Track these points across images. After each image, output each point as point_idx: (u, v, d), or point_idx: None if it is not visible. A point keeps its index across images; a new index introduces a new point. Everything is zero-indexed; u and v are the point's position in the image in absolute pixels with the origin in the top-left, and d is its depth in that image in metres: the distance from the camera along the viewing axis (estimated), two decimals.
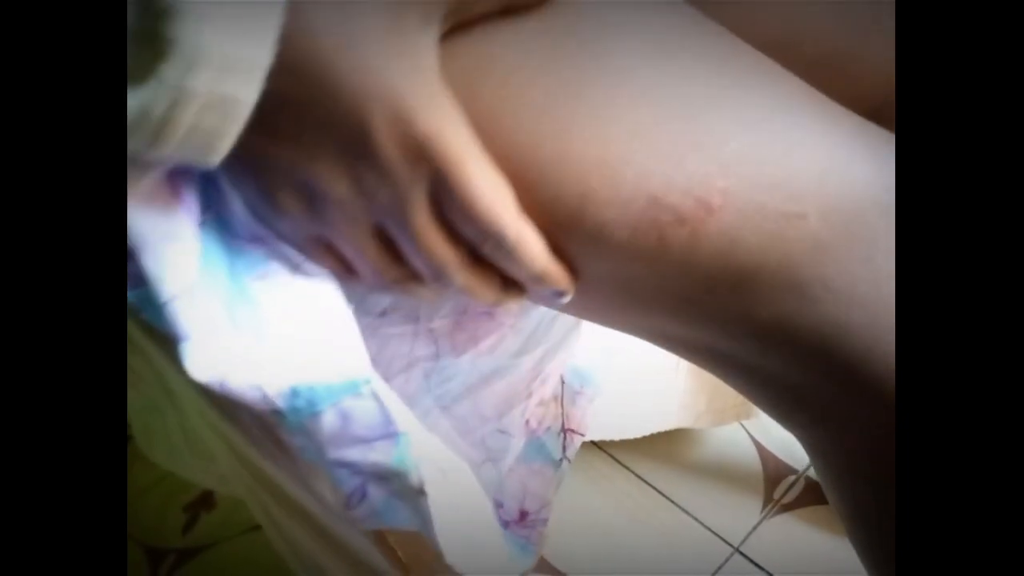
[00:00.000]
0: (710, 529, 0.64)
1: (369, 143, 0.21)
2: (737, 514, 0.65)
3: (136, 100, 0.18)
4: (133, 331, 0.28)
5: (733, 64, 0.24)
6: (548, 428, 0.42)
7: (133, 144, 0.19)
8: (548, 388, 0.42)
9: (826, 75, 0.35)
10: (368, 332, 0.31)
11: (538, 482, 0.42)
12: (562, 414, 0.43)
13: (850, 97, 0.37)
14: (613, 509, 0.68)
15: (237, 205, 0.25)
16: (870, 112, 0.37)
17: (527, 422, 0.41)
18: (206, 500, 0.83)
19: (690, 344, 0.27)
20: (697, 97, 0.23)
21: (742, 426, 0.72)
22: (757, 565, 0.61)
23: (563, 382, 0.43)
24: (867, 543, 0.27)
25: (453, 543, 0.33)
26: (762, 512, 0.64)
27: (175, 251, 0.23)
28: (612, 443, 0.73)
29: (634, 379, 0.55)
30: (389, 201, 0.22)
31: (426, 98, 0.21)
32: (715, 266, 0.23)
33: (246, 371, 0.25)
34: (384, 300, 0.33)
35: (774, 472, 0.67)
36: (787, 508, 0.64)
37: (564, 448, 0.43)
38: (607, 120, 0.22)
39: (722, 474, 0.68)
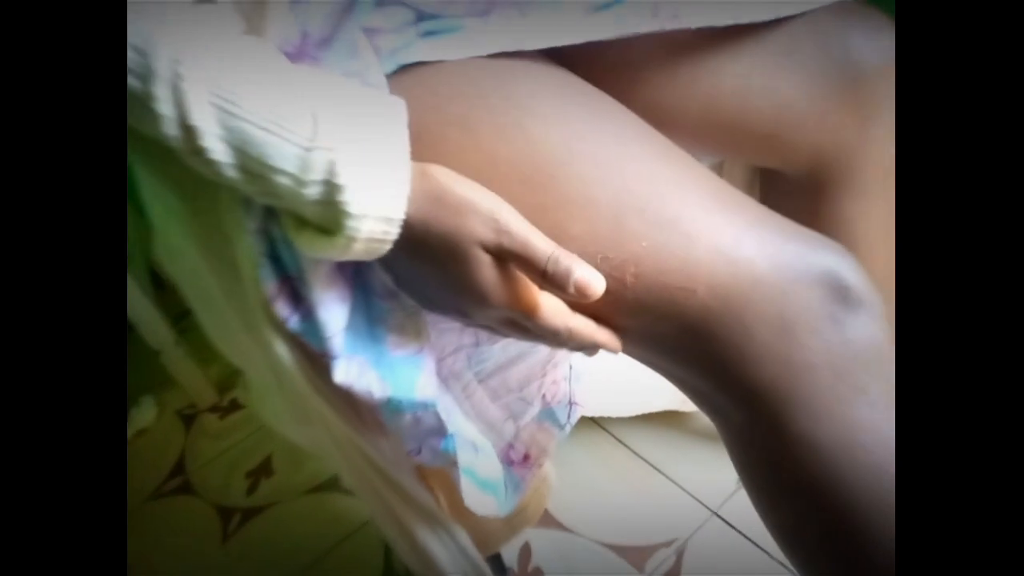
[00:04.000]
0: (692, 495, 0.77)
1: (465, 306, 0.34)
2: (716, 484, 0.77)
3: (338, 235, 0.31)
4: (271, 338, 0.41)
5: (654, 167, 0.34)
6: (559, 401, 0.55)
7: (328, 256, 0.32)
8: (560, 370, 0.55)
9: (768, 145, 0.47)
10: (431, 325, 0.44)
11: (544, 437, 0.55)
12: (570, 391, 0.56)
13: (788, 161, 0.48)
14: (610, 478, 0.80)
15: (379, 275, 0.38)
16: (807, 173, 0.48)
17: (543, 395, 0.54)
18: (265, 468, 0.96)
19: (640, 357, 0.38)
20: (625, 203, 0.33)
21: None
22: (731, 525, 0.73)
23: (571, 367, 0.56)
24: (764, 519, 0.38)
25: (469, 491, 0.46)
26: (737, 483, 0.76)
27: (337, 308, 0.37)
28: (612, 423, 0.85)
29: (630, 366, 0.68)
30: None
31: (490, 283, 0.32)
32: (636, 316, 0.34)
33: (365, 383, 0.38)
34: None
35: None
36: None
37: (569, 417, 0.56)
38: (570, 230, 0.33)
39: (705, 449, 0.80)
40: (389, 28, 0.37)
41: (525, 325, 0.34)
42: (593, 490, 0.79)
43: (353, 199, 0.30)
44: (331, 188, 0.30)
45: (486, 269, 0.32)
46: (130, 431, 1.10)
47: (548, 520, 0.77)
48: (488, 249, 0.32)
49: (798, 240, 0.34)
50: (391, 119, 0.32)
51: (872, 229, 0.44)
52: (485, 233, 0.31)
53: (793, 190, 0.49)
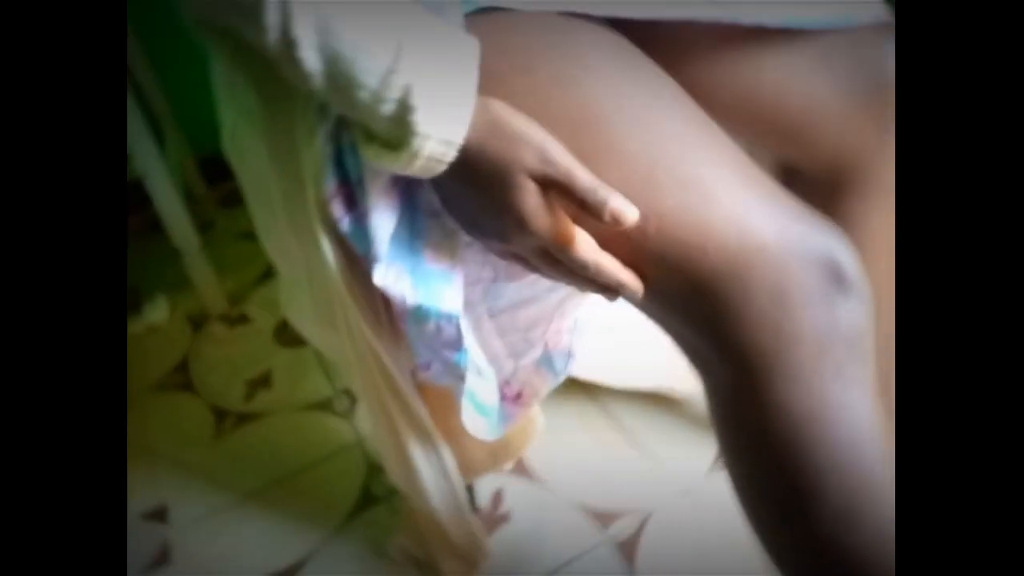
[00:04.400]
0: (666, 471, 0.80)
1: (506, 230, 0.37)
2: (690, 467, 0.80)
3: (402, 151, 0.35)
4: (320, 237, 0.44)
5: (690, 133, 0.37)
6: (560, 349, 0.59)
7: (390, 167, 0.36)
8: (565, 321, 0.58)
9: (794, 139, 0.50)
10: None
11: (539, 380, 0.59)
12: (571, 342, 0.59)
13: (810, 158, 0.51)
14: (591, 444, 0.84)
15: (427, 194, 0.41)
16: (826, 171, 0.51)
17: (546, 342, 0.58)
18: (265, 379, 1.01)
19: (643, 307, 0.40)
20: (659, 162, 0.36)
21: None
22: (698, 506, 0.77)
23: (576, 320, 0.59)
24: (728, 470, 0.41)
25: (467, 409, 0.50)
26: (710, 469, 0.80)
27: (387, 217, 0.40)
28: (602, 395, 0.89)
29: (628, 340, 0.72)
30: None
31: (532, 209, 0.36)
32: (652, 266, 0.37)
33: (400, 288, 0.42)
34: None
35: None
36: None
37: (565, 366, 0.60)
38: (606, 177, 0.35)
39: (685, 432, 0.84)
40: None
41: (557, 256, 0.38)
42: (573, 451, 0.83)
43: (421, 120, 0.34)
44: (404, 108, 0.34)
45: (530, 196, 0.36)
46: (141, 327, 1.15)
47: (524, 470, 0.81)
48: (534, 177, 0.35)
49: (805, 221, 0.37)
50: (465, 56, 0.35)
51: (879, 232, 0.47)
52: (533, 162, 0.35)
53: (809, 187, 0.52)
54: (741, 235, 0.36)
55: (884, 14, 0.46)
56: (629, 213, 0.35)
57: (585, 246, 0.37)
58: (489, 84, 0.37)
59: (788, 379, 0.36)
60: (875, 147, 0.46)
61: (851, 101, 0.47)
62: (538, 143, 0.35)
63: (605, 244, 0.37)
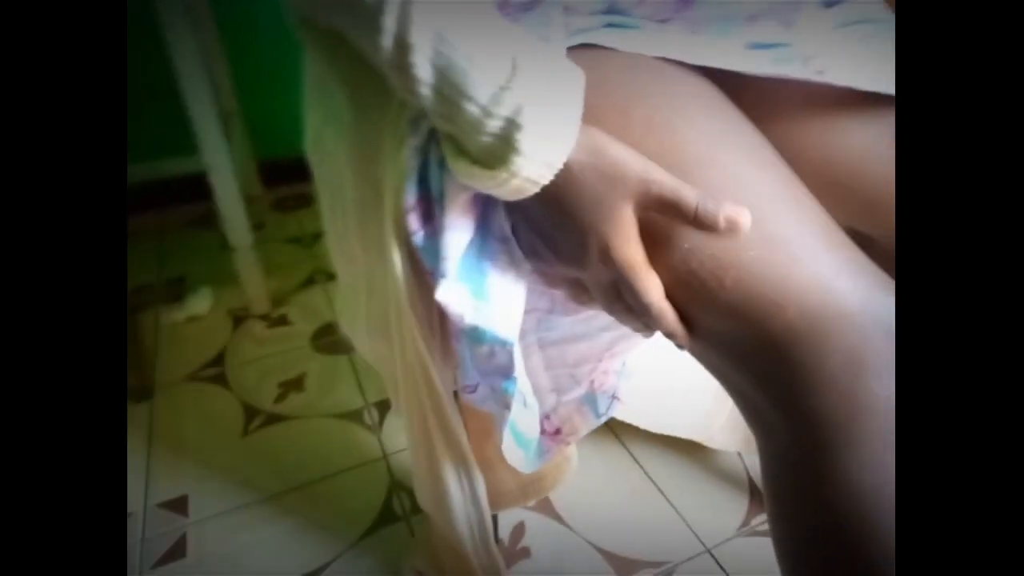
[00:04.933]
0: (690, 527, 0.78)
1: (586, 256, 0.37)
2: (717, 525, 0.78)
3: (491, 175, 0.35)
4: (391, 247, 0.45)
5: (778, 190, 0.37)
6: (604, 390, 0.58)
7: (482, 185, 0.36)
8: (614, 363, 0.57)
9: (872, 210, 0.49)
10: None
11: (580, 419, 0.58)
12: (616, 385, 0.59)
13: (886, 231, 0.50)
14: (618, 491, 0.83)
15: (500, 220, 0.42)
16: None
17: (592, 380, 0.57)
18: (298, 383, 1.02)
19: (706, 358, 0.40)
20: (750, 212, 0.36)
21: (740, 456, 0.86)
22: (721, 567, 0.75)
23: (624, 364, 0.59)
24: (774, 535, 0.40)
25: (507, 439, 0.49)
26: (738, 530, 0.78)
27: (460, 235, 0.41)
28: (633, 440, 0.88)
29: (670, 386, 0.71)
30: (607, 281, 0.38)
31: (621, 239, 0.36)
32: (723, 318, 0.36)
33: (459, 308, 0.42)
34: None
35: (757, 504, 0.80)
36: (760, 535, 0.78)
37: (608, 408, 0.59)
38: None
39: (716, 489, 0.82)
40: (582, 11, 0.41)
41: (625, 294, 0.38)
42: (599, 493, 0.82)
43: (527, 140, 0.34)
44: (512, 126, 0.34)
45: (623, 227, 0.36)
46: (183, 316, 1.17)
47: (548, 508, 0.80)
48: (637, 199, 0.36)
49: (888, 290, 0.36)
50: (573, 83, 0.36)
51: None
52: (635, 185, 0.35)
53: (882, 259, 0.52)
54: (824, 297, 0.35)
55: None
56: (744, 217, 0.34)
57: (657, 290, 0.37)
58: (585, 118, 0.38)
59: (856, 452, 0.35)
60: None
61: None
62: (641, 169, 0.35)
63: (679, 286, 0.37)
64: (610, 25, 0.41)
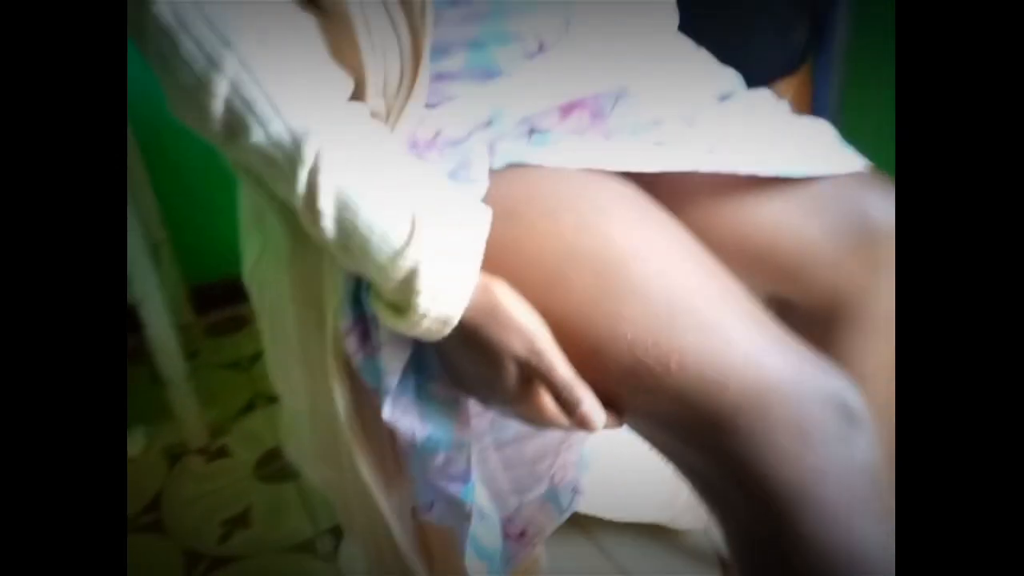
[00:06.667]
0: None
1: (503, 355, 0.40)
2: None
3: (404, 319, 0.38)
4: (332, 371, 0.45)
5: (704, 279, 0.40)
6: (565, 484, 0.57)
7: (395, 328, 0.39)
8: (571, 455, 0.57)
9: (790, 277, 0.53)
10: None
11: (544, 517, 0.57)
12: (576, 477, 0.58)
13: (805, 295, 0.53)
14: None
15: (432, 356, 0.44)
16: (820, 308, 0.53)
17: (552, 475, 0.57)
18: (243, 518, 0.95)
19: (658, 442, 0.42)
20: (677, 304, 0.38)
21: (706, 533, 0.85)
22: None
23: (582, 454, 0.59)
24: None
25: (468, 552, 0.48)
26: None
27: (399, 352, 0.42)
28: (596, 530, 0.86)
29: (629, 472, 0.70)
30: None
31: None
32: (673, 404, 0.38)
33: (408, 422, 0.43)
34: None
35: None
36: None
37: (571, 502, 0.58)
38: (627, 313, 0.38)
39: (685, 569, 0.80)
40: (507, 134, 0.45)
41: (534, 420, 0.41)
42: None
43: (422, 302, 0.37)
44: (408, 288, 0.37)
45: (512, 378, 0.39)
46: None
47: None
48: (519, 363, 0.39)
49: (814, 363, 0.38)
50: (474, 234, 0.39)
51: (874, 365, 0.49)
52: (520, 350, 0.38)
53: (805, 321, 0.54)
54: (759, 372, 0.37)
55: (864, 165, 0.50)
56: (596, 419, 0.38)
57: (557, 417, 0.40)
58: (517, 227, 0.40)
59: (819, 513, 0.36)
60: (867, 286, 0.49)
61: (841, 243, 0.50)
62: (528, 333, 0.38)
63: (627, 375, 0.38)
64: (536, 142, 0.45)
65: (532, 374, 0.39)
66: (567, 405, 0.38)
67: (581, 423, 0.38)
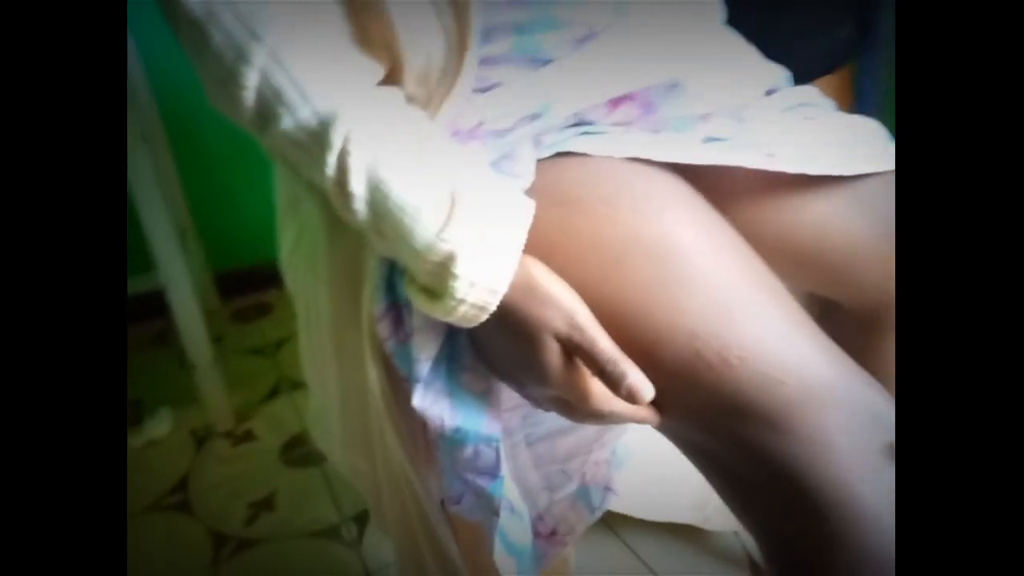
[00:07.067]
0: None
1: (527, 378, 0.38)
2: None
3: (439, 304, 0.36)
4: (366, 356, 0.44)
5: (758, 281, 0.39)
6: (597, 482, 0.56)
7: (431, 314, 0.37)
8: (604, 453, 0.56)
9: (836, 278, 0.51)
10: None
11: (575, 515, 0.56)
12: (609, 476, 0.57)
13: (851, 296, 0.52)
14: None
15: (464, 346, 0.43)
16: (866, 309, 0.52)
17: (584, 474, 0.56)
18: (268, 502, 0.96)
19: (697, 448, 0.40)
20: (736, 299, 0.37)
21: (737, 535, 0.83)
22: None
23: (615, 452, 0.57)
24: None
25: (497, 547, 0.47)
26: None
27: (431, 339, 0.41)
28: (625, 530, 0.85)
29: (662, 471, 0.69)
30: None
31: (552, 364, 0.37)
32: (727, 398, 0.36)
33: (438, 411, 0.42)
34: None
35: None
36: None
37: (602, 501, 0.57)
38: (687, 305, 0.37)
39: (715, 572, 0.79)
40: (554, 127, 0.44)
41: (573, 406, 0.39)
42: None
43: (459, 287, 0.35)
44: (445, 272, 0.35)
45: (553, 356, 0.37)
46: (141, 441, 1.11)
47: None
48: (559, 339, 0.37)
49: (859, 372, 0.38)
50: (516, 221, 0.37)
51: None
52: (560, 325, 0.36)
53: (848, 322, 0.53)
54: (816, 372, 0.36)
55: None
56: (645, 392, 0.36)
57: (599, 399, 0.38)
58: (576, 213, 0.39)
59: (866, 520, 0.35)
60: None
61: (888, 243, 0.48)
62: (568, 307, 0.37)
63: (683, 370, 0.37)
64: (582, 134, 0.43)
65: (574, 350, 0.37)
66: (612, 379, 0.36)
67: (629, 396, 0.36)
